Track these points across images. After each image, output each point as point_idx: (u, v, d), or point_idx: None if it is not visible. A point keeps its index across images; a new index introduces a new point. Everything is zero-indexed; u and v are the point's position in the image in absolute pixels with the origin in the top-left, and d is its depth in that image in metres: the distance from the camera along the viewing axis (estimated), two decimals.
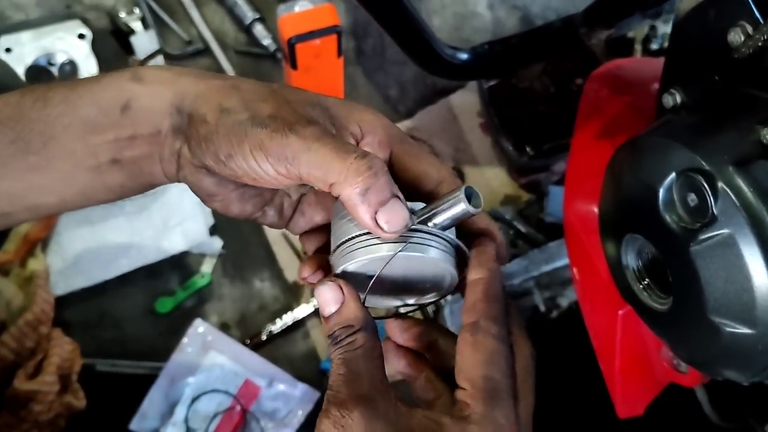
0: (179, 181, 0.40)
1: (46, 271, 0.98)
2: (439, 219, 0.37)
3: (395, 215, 0.35)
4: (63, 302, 0.99)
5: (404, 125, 1.17)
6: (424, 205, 0.38)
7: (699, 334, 0.46)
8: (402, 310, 0.44)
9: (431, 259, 0.37)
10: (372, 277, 0.38)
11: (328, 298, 0.37)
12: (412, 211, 0.37)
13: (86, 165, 0.40)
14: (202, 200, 0.40)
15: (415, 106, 1.18)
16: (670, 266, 0.47)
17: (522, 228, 1.04)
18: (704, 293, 0.44)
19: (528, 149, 1.10)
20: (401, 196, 0.36)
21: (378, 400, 0.35)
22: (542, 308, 1.02)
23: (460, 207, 0.36)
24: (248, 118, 0.36)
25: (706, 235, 0.43)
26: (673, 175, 0.45)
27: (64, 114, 0.39)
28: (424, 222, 0.37)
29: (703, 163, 0.43)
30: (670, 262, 0.47)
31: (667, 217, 0.46)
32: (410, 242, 0.36)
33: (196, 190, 0.40)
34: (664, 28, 1.14)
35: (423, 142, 1.13)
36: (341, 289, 0.37)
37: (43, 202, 0.42)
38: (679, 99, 0.50)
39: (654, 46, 1.14)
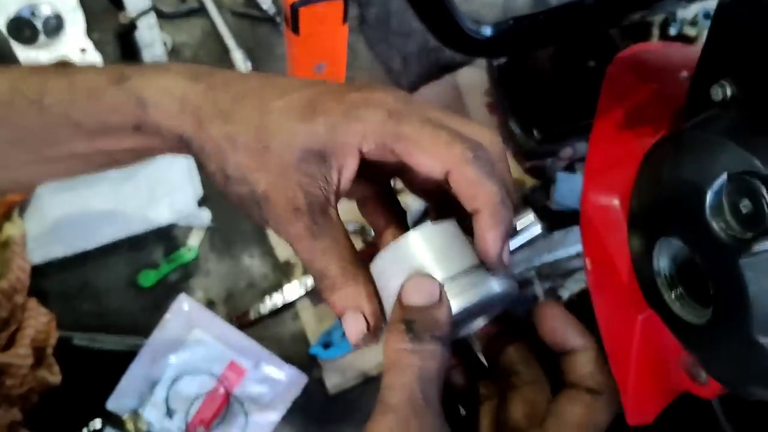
0: None
1: (23, 237, 0.93)
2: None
3: (352, 327, 0.35)
4: (40, 271, 0.94)
5: None
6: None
7: (738, 353, 0.42)
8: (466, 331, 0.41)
9: (515, 285, 0.36)
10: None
11: (417, 287, 0.34)
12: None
13: (99, 162, 0.38)
14: None
15: (418, 81, 1.13)
16: (713, 277, 0.42)
17: None
18: (751, 310, 0.40)
19: (535, 132, 1.05)
20: (365, 310, 0.35)
21: None
22: (542, 299, 0.98)
23: (535, 230, 0.36)
24: (248, 193, 0.36)
25: (761, 248, 0.38)
26: (724, 177, 0.41)
27: (65, 125, 0.37)
28: None
29: (761, 166, 0.38)
30: (712, 272, 0.42)
31: (714, 224, 0.41)
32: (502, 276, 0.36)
33: None
34: (684, 13, 1.09)
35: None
36: (440, 288, 0.34)
37: (51, 180, 0.42)
38: (729, 92, 0.45)
39: (672, 32, 1.09)
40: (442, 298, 0.33)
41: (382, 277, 0.36)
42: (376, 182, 0.41)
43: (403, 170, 0.39)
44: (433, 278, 0.34)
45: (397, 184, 0.44)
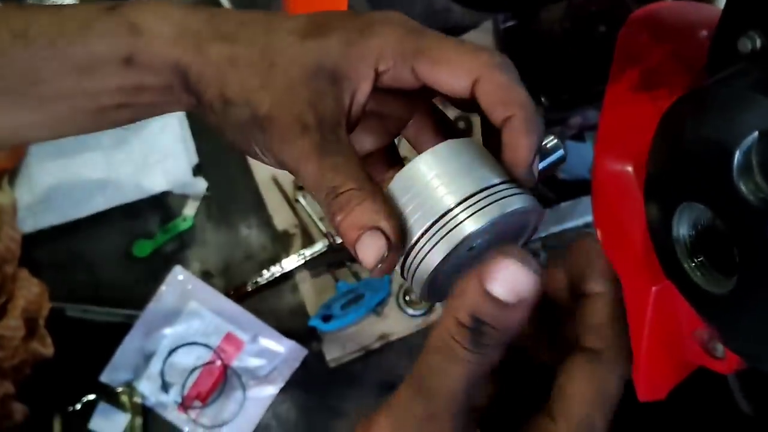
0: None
1: (14, 206, 0.90)
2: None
3: (371, 248, 0.30)
4: (31, 240, 0.91)
5: None
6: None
7: (764, 325, 0.39)
8: None
9: (542, 209, 0.33)
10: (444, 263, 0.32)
11: (511, 277, 0.27)
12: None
13: (86, 108, 0.36)
14: None
15: None
16: (739, 243, 0.39)
17: None
18: None
19: (543, 100, 1.01)
20: (385, 228, 0.30)
21: None
22: None
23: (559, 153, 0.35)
24: (249, 117, 0.32)
25: None
26: (755, 134, 0.37)
27: (52, 58, 0.34)
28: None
29: None
30: (738, 238, 0.39)
31: (743, 186, 0.38)
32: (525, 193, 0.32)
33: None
34: None
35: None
36: (535, 283, 0.28)
37: (35, 137, 0.39)
38: (759, 43, 0.42)
39: None
40: (529, 297, 0.27)
41: (401, 198, 0.32)
42: (381, 136, 0.39)
43: (415, 107, 0.37)
44: (531, 268, 0.28)
45: (401, 146, 0.41)
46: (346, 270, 0.95)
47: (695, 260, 0.44)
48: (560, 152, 0.35)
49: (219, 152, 0.99)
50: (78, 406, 0.87)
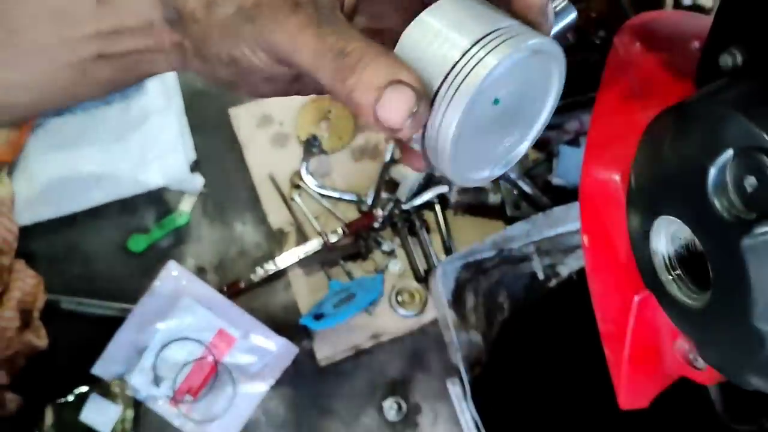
0: (189, 71, 0.35)
1: (12, 198, 0.91)
2: None
3: (396, 103, 0.28)
4: (28, 233, 0.92)
5: None
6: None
7: (736, 340, 0.40)
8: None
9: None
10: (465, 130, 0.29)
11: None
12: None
13: (65, 61, 0.35)
14: (222, 86, 0.35)
15: None
16: (712, 259, 0.40)
17: (527, 189, 0.97)
18: (751, 295, 0.37)
19: None
20: (408, 79, 0.28)
21: None
22: (541, 276, 0.95)
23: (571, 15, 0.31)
24: (235, 12, 0.30)
25: (764, 229, 0.36)
26: (729, 152, 0.38)
27: (26, 3, 0.34)
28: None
29: None
30: (712, 254, 0.40)
31: (716, 202, 0.38)
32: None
33: (212, 82, 0.35)
34: None
35: None
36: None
37: (16, 101, 0.36)
38: (740, 59, 0.42)
39: (686, 2, 1.04)
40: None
41: (409, 59, 0.29)
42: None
43: (409, 16, 0.36)
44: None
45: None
46: (339, 269, 0.96)
47: (672, 273, 0.45)
48: (573, 13, 0.33)
49: (216, 149, 0.99)
50: (70, 398, 0.88)
